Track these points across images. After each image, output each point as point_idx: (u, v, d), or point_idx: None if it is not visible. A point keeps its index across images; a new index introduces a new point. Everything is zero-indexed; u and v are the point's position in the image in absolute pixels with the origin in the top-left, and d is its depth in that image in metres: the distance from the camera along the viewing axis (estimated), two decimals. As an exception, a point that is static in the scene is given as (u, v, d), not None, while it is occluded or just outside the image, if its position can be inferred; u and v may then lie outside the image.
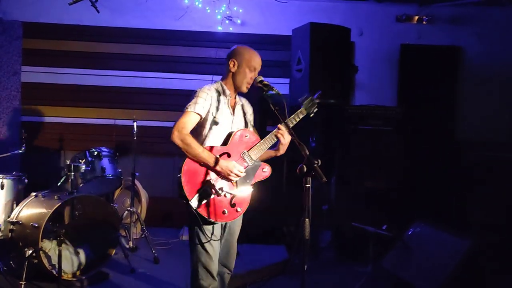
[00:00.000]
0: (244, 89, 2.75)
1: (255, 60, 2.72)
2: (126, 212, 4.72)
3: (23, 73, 5.58)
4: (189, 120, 2.61)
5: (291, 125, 2.70)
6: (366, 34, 5.82)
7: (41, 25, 5.60)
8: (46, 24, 5.62)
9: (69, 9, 5.01)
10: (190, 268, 2.69)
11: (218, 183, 2.60)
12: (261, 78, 2.67)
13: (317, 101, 2.84)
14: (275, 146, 2.77)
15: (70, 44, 5.66)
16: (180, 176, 2.53)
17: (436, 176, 5.42)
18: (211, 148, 2.63)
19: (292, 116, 2.76)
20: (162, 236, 5.15)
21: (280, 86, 5.58)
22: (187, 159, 2.57)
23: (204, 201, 2.55)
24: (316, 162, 2.24)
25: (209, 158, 2.57)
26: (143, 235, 4.59)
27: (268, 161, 2.81)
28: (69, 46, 5.67)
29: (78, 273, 3.77)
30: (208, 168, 2.59)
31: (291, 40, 5.23)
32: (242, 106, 2.86)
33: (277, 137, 2.69)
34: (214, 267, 2.67)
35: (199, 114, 2.63)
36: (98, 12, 4.34)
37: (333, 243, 4.94)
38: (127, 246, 4.51)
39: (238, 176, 2.61)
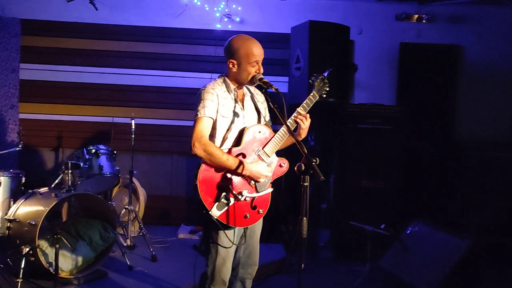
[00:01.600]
0: (250, 83, 2.63)
1: (255, 53, 2.56)
2: (124, 210, 4.71)
3: (22, 70, 5.56)
4: (204, 126, 2.49)
5: (306, 110, 2.64)
6: (366, 33, 5.80)
7: (40, 22, 5.58)
8: (44, 21, 5.59)
9: (68, 6, 5.01)
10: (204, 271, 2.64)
11: (237, 188, 2.50)
12: (261, 76, 2.59)
13: (327, 80, 2.75)
14: (295, 131, 2.64)
15: (68, 41, 5.64)
16: (197, 185, 2.41)
17: (435, 175, 5.42)
18: (228, 151, 2.52)
19: (304, 102, 2.65)
20: (160, 234, 5.15)
21: (279, 84, 5.59)
22: (202, 167, 2.45)
23: (225, 209, 2.45)
24: (314, 160, 2.24)
25: (235, 164, 2.46)
26: (141, 233, 4.58)
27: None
28: (68, 44, 5.65)
29: (75, 271, 3.75)
30: (232, 173, 2.48)
31: (290, 38, 5.22)
32: (252, 96, 2.73)
33: (296, 122, 2.59)
34: (227, 272, 2.62)
35: (211, 118, 2.51)
36: (97, 9, 4.33)
37: (332, 242, 4.94)
38: (125, 244, 4.50)
39: (266, 177, 2.55)
